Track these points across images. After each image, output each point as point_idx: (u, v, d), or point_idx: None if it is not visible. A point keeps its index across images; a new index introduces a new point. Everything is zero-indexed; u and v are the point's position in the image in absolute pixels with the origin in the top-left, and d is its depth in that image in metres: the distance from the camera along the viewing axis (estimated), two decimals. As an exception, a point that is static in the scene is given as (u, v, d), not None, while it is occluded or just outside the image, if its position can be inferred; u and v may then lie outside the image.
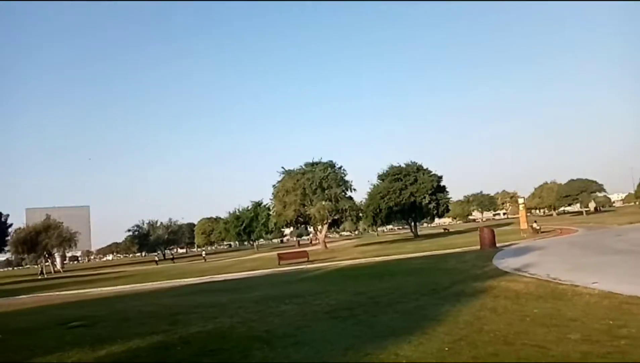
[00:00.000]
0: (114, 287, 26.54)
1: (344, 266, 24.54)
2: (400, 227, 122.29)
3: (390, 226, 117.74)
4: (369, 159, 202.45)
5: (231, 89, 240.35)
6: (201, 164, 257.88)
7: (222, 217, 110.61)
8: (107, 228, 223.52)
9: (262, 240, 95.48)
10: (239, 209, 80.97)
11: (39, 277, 56.75)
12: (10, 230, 72.69)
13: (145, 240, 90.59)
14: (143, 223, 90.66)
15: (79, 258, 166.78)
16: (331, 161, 47.39)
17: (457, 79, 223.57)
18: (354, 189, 48.38)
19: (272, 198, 47.25)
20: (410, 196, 59.55)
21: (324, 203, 42.57)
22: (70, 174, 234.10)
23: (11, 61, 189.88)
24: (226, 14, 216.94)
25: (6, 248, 71.95)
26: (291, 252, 34.73)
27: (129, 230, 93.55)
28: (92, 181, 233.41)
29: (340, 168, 47.28)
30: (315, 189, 44.60)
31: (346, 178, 46.98)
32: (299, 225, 48.30)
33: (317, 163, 47.33)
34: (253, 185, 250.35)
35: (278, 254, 31.74)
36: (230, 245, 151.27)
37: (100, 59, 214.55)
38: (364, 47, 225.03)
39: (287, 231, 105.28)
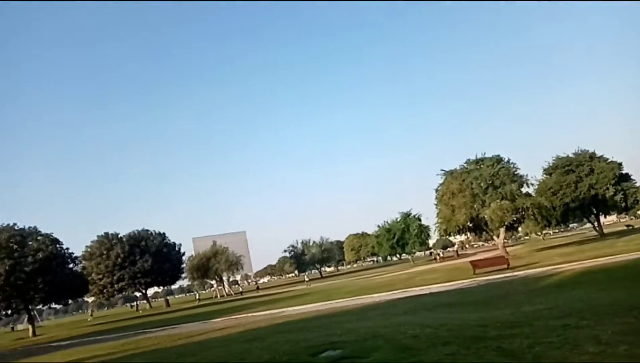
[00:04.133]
0: (303, 306, 25.35)
1: (577, 271, 20.02)
2: (561, 229, 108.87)
3: (549, 231, 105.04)
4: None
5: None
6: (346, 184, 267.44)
7: (368, 233, 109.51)
8: (259, 252, 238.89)
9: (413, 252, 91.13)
10: (388, 222, 78.17)
11: (218, 300, 60.26)
12: (184, 258, 79.66)
13: (301, 259, 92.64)
14: (297, 243, 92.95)
15: (238, 282, 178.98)
16: (498, 156, 42.36)
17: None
18: (531, 184, 42.63)
19: (436, 203, 43.57)
20: (589, 188, 51.37)
21: (501, 202, 37.67)
22: (227, 203, 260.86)
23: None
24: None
25: (182, 275, 78.76)
26: (488, 259, 30.63)
27: (284, 251, 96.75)
28: (245, 207, 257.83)
29: (508, 161, 41.95)
30: (486, 188, 39.91)
31: (519, 173, 41.47)
32: (469, 231, 43.69)
33: (482, 159, 42.63)
34: (389, 198, 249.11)
35: (471, 262, 28.04)
36: (376, 261, 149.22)
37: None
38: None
39: (431, 242, 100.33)
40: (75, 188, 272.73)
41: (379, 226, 76.69)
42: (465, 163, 43.56)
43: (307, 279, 69.58)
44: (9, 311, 43.56)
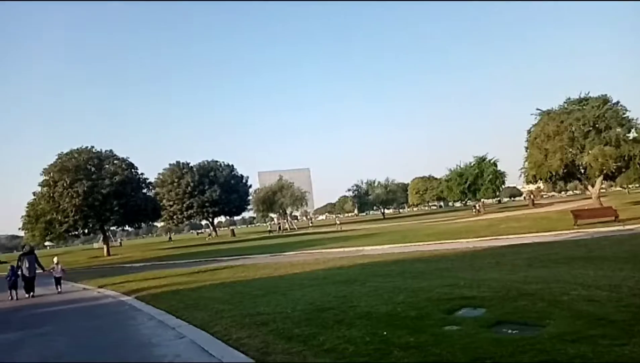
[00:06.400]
0: (379, 246, 23.54)
1: None
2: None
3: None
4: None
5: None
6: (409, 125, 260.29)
7: (435, 176, 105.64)
8: (320, 190, 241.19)
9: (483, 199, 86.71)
10: (460, 166, 73.95)
11: (280, 233, 60.51)
12: (250, 190, 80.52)
13: (364, 199, 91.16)
14: (361, 183, 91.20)
15: (297, 218, 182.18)
16: (605, 95, 37.03)
17: None
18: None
19: (526, 145, 39.35)
20: None
21: (604, 147, 33.14)
22: (292, 141, 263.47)
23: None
24: None
25: (248, 207, 79.98)
26: (592, 209, 27.12)
27: (348, 190, 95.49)
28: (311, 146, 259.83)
29: (617, 103, 36.60)
30: (588, 131, 35.24)
31: (628, 116, 36.17)
32: (562, 178, 39.36)
33: (585, 99, 37.49)
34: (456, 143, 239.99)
35: (573, 211, 24.71)
36: (439, 206, 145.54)
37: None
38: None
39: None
40: (150, 114, 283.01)
41: (450, 169, 72.75)
42: (565, 102, 38.60)
43: (338, 222, 66.24)
44: (86, 231, 45.45)
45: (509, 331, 5.67)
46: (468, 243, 20.73)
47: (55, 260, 16.44)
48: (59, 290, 15.86)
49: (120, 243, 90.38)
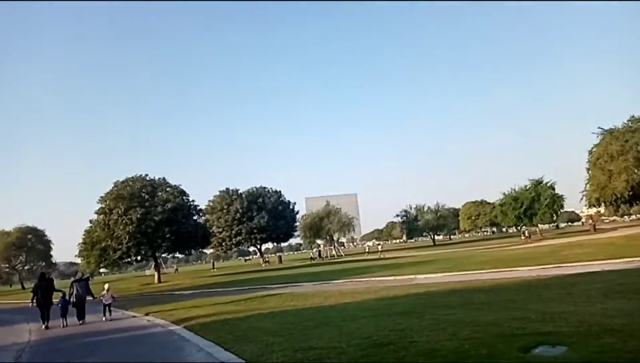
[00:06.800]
0: (432, 275, 22.45)
1: None
2: None
3: None
4: None
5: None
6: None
7: (488, 201, 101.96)
8: (367, 215, 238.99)
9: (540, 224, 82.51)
10: (515, 190, 71.02)
11: (329, 260, 59.79)
12: (297, 216, 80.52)
13: (413, 224, 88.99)
14: (410, 208, 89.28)
15: (344, 244, 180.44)
16: (673, 111, 34.66)
17: None
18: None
19: (587, 166, 37.13)
20: None
21: (675, 167, 30.84)
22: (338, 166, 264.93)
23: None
24: None
25: (296, 233, 79.83)
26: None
27: (397, 215, 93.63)
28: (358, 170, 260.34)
29: (686, 117, 34.07)
30: (656, 150, 32.98)
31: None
32: (628, 201, 36.68)
33: (652, 115, 35.25)
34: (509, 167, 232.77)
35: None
36: (491, 232, 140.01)
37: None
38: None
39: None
40: (200, 142, 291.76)
41: (504, 193, 69.95)
42: (629, 120, 36.29)
43: (367, 250, 64.78)
44: (139, 257, 46.51)
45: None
46: (530, 272, 19.39)
47: (106, 287, 16.59)
48: (106, 317, 16.03)
49: (177, 269, 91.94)
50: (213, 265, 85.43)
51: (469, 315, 9.15)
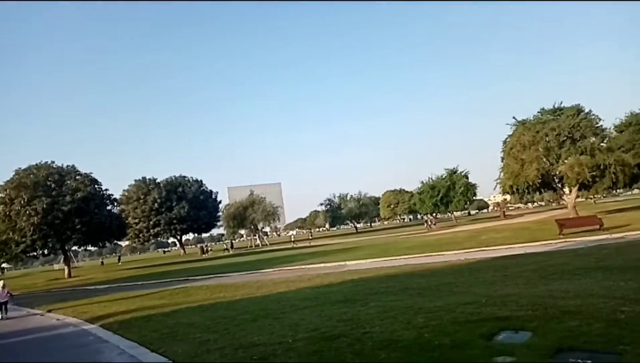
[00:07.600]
0: (362, 261, 22.35)
1: None
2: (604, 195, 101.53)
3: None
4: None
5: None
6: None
7: (406, 190, 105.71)
8: (290, 204, 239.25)
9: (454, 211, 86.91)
10: (432, 179, 74.13)
11: (253, 249, 58.59)
12: (220, 206, 78.21)
13: (337, 213, 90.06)
14: (334, 197, 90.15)
15: (267, 233, 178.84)
16: (579, 105, 37.38)
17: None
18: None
19: (502, 155, 39.19)
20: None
21: (580, 157, 33.21)
22: (262, 154, 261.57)
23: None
24: None
25: (218, 223, 77.53)
26: (577, 218, 26.81)
27: (320, 204, 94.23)
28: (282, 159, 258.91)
29: (589, 112, 36.97)
30: (563, 141, 35.35)
31: (601, 125, 36.56)
32: (538, 188, 39.19)
33: (560, 109, 37.72)
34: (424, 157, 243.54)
35: (557, 220, 24.18)
36: (409, 219, 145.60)
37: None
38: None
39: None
40: (116, 131, 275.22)
41: (422, 182, 72.67)
42: (540, 112, 38.69)
43: (293, 239, 66.31)
44: (45, 251, 42.41)
45: (580, 362, 4.56)
46: (457, 255, 19.80)
47: (0, 283, 14.66)
48: (2, 316, 14.52)
49: (102, 262, 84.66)
50: (119, 259, 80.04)
51: (415, 301, 8.77)
